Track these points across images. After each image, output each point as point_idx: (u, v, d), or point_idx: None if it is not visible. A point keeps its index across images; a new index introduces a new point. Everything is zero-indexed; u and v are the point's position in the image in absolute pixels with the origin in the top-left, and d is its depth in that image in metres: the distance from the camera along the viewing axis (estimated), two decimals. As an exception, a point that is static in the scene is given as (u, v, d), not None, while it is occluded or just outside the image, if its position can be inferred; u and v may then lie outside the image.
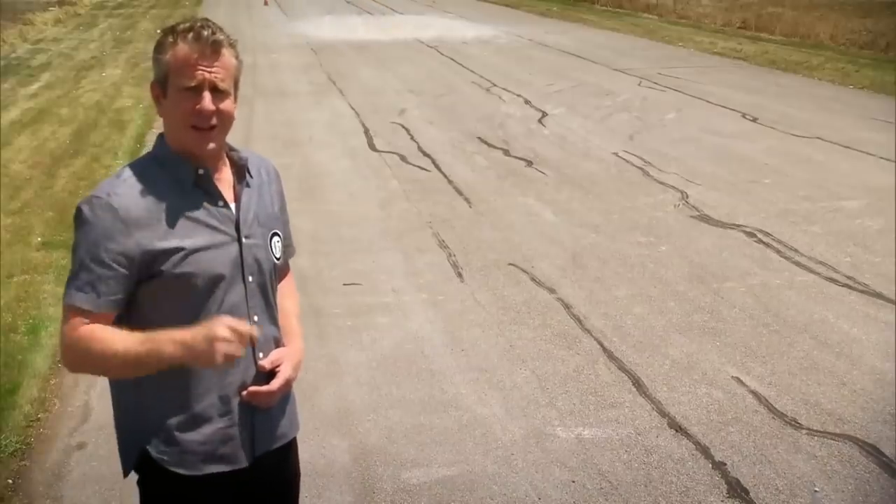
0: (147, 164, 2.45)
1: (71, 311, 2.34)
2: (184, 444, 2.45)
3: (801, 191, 10.30)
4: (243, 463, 2.51)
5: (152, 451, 2.49)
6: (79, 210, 2.34)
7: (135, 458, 2.56)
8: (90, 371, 2.53)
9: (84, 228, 2.32)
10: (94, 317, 2.31)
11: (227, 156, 2.52)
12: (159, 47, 2.42)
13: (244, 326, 2.24)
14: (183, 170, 2.40)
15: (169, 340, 2.21)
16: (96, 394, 5.59)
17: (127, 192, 2.34)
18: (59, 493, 4.57)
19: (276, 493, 2.71)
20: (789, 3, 30.89)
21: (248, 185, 2.52)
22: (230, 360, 2.20)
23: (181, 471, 2.45)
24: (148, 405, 2.49)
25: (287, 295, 2.75)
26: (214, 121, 2.35)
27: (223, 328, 2.18)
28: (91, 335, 2.29)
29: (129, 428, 2.57)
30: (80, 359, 2.36)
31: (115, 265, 2.30)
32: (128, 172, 2.41)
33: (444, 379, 5.80)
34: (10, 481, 4.65)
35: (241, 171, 2.52)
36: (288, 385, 2.53)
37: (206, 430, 2.45)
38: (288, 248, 2.75)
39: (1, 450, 4.89)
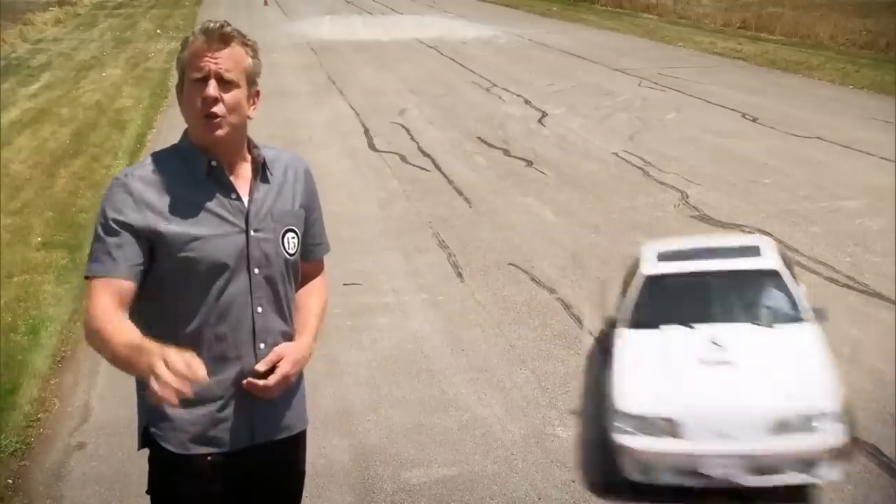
0: (169, 154, 2.56)
1: (91, 284, 2.42)
2: (175, 423, 2.50)
3: (801, 191, 10.29)
4: (235, 447, 2.54)
5: (146, 426, 2.56)
6: (104, 192, 2.49)
7: (141, 433, 2.59)
8: (96, 349, 2.45)
9: (102, 206, 2.48)
10: (112, 283, 2.37)
11: (249, 152, 2.59)
12: (181, 48, 2.51)
13: (199, 371, 2.06)
14: (198, 161, 2.49)
15: (146, 353, 2.12)
16: (96, 394, 5.60)
17: (144, 176, 2.47)
18: (59, 493, 4.57)
19: (278, 487, 2.71)
20: (789, 3, 30.87)
21: (266, 182, 2.57)
22: (158, 400, 2.05)
23: (171, 448, 2.51)
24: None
25: (313, 293, 2.78)
26: (220, 109, 2.42)
27: (161, 363, 2.02)
28: (108, 318, 2.33)
29: (140, 405, 2.61)
30: (89, 334, 2.41)
31: (125, 233, 2.39)
32: (149, 160, 2.57)
33: (444, 379, 5.80)
34: (10, 481, 4.66)
35: (259, 168, 2.57)
36: (285, 381, 2.55)
37: (197, 412, 2.49)
38: (320, 246, 2.81)
39: (1, 450, 4.89)
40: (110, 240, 2.40)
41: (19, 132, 13.64)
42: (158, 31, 27.89)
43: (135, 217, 2.40)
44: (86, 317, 2.42)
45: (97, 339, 2.35)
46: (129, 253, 2.40)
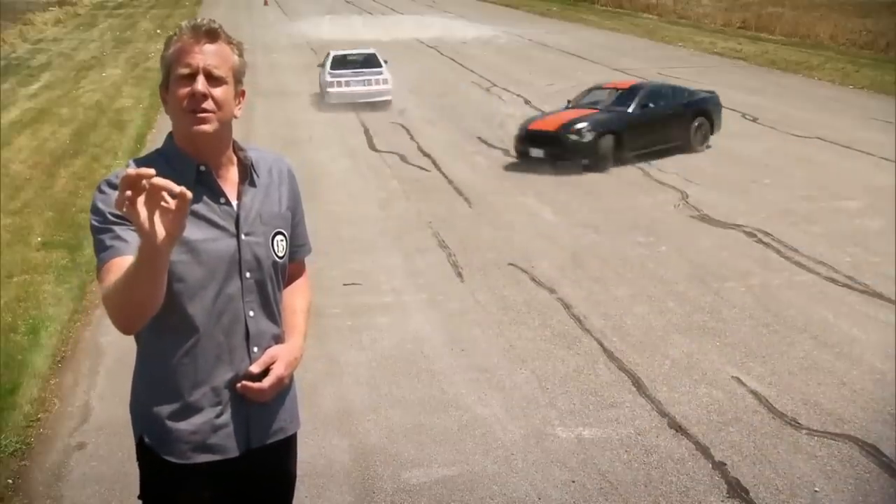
0: (153, 158, 2.50)
1: (103, 269, 2.33)
2: (174, 433, 2.49)
3: (801, 191, 10.30)
4: (233, 453, 2.53)
5: (146, 438, 2.54)
6: (92, 200, 2.45)
7: (137, 443, 2.58)
8: (123, 302, 2.28)
9: (95, 206, 2.41)
10: (125, 262, 2.23)
11: (235, 154, 2.56)
12: (165, 45, 2.48)
13: (144, 171, 1.99)
14: (186, 166, 2.45)
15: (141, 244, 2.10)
16: (96, 394, 5.60)
17: None
18: (59, 493, 4.57)
19: (270, 489, 2.71)
20: (789, 3, 30.90)
21: (253, 185, 2.56)
22: (120, 204, 2.00)
23: (171, 458, 2.50)
24: (146, 395, 2.53)
25: (298, 293, 2.77)
26: (209, 104, 2.39)
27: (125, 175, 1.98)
28: (114, 268, 2.26)
29: (133, 416, 2.59)
30: (107, 298, 2.25)
31: (127, 224, 2.30)
32: (134, 165, 2.47)
33: (444, 379, 5.79)
34: (10, 481, 4.65)
35: (246, 171, 2.55)
36: (280, 383, 2.55)
37: (196, 420, 2.48)
38: (303, 248, 2.77)
39: (1, 450, 4.89)
40: (115, 227, 2.34)
41: (19, 132, 13.64)
42: (158, 31, 27.89)
43: None
44: (102, 295, 2.30)
45: (115, 295, 2.21)
46: (134, 235, 2.25)
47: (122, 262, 2.23)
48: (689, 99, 12.95)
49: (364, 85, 16.17)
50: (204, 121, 2.40)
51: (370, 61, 16.81)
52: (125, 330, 2.31)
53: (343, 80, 16.18)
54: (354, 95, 16.06)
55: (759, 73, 20.30)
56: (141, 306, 2.23)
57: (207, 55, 2.38)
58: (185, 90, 2.38)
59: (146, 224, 2.00)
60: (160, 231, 2.01)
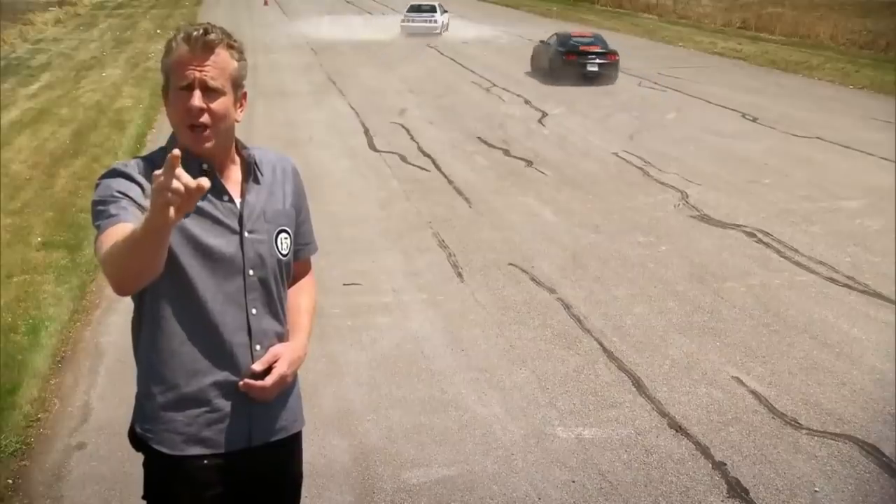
0: (157, 156, 2.51)
1: (101, 235, 2.31)
2: (168, 423, 2.49)
3: (801, 191, 10.30)
4: (222, 448, 2.51)
5: (137, 427, 2.54)
6: (98, 181, 2.45)
7: (130, 433, 2.60)
8: (118, 266, 2.25)
9: (103, 184, 2.41)
10: (123, 227, 2.23)
11: (239, 153, 2.57)
12: (165, 52, 2.48)
13: (192, 182, 2.00)
14: (189, 164, 2.43)
15: (151, 202, 2.06)
16: (96, 394, 5.59)
17: (137, 168, 2.45)
18: (59, 493, 4.57)
19: (275, 488, 2.71)
20: (789, 3, 30.91)
21: (257, 182, 2.57)
22: (165, 208, 1.99)
23: (165, 450, 2.49)
24: (144, 385, 2.53)
25: (303, 292, 2.78)
26: (206, 119, 2.39)
27: (163, 183, 1.98)
28: (117, 231, 2.24)
29: (135, 404, 2.59)
30: (105, 260, 2.25)
31: (128, 196, 2.34)
32: (137, 160, 2.52)
33: (444, 379, 5.79)
34: (10, 481, 4.65)
35: (249, 169, 2.56)
36: (282, 382, 2.55)
37: (191, 412, 2.48)
38: (308, 246, 2.78)
39: (1, 450, 4.89)
40: (119, 201, 2.33)
41: (19, 132, 13.64)
42: (158, 31, 27.89)
43: (134, 189, 2.35)
44: (99, 257, 2.28)
45: (115, 257, 2.19)
46: (136, 210, 2.30)
47: (125, 228, 2.23)
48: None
49: (423, 22, 28.72)
50: (204, 138, 2.42)
51: (429, 10, 29.14)
52: (119, 291, 2.33)
53: (410, 19, 28.99)
54: (415, 29, 28.50)
55: (759, 73, 20.30)
56: (139, 275, 2.24)
57: (204, 68, 2.37)
58: (182, 104, 2.38)
59: (164, 198, 1.98)
60: (172, 211, 2.01)
